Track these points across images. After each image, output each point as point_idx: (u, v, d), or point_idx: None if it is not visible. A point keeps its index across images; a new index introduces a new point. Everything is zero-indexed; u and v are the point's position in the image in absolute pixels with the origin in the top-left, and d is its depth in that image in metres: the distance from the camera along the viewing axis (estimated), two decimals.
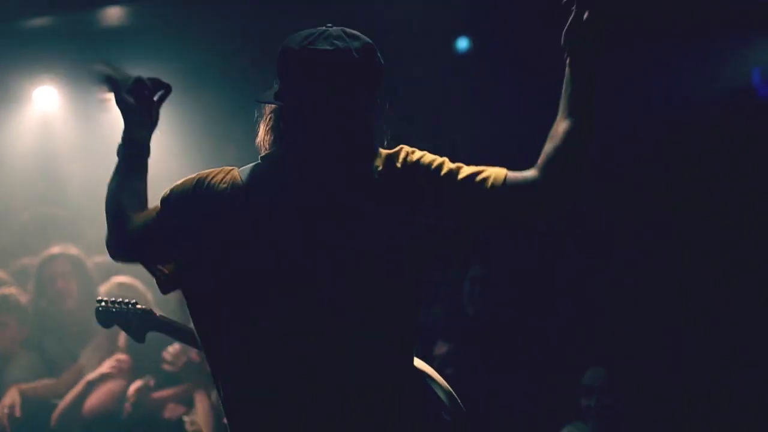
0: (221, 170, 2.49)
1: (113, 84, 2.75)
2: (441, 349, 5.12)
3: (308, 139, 2.41)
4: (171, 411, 4.99)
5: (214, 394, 4.64)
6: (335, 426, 2.37)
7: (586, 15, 2.36)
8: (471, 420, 2.64)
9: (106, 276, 5.47)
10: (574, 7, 2.38)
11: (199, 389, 4.82)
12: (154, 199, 2.59)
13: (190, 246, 2.44)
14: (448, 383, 2.66)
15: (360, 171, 2.40)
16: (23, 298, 5.50)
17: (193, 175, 2.50)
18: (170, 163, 5.02)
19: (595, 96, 2.35)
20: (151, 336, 3.52)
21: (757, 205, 5.08)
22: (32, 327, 5.49)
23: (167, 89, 2.79)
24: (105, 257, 5.69)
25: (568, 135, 2.30)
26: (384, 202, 2.36)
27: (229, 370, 2.43)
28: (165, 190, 2.52)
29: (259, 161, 2.48)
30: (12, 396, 5.13)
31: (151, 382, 4.97)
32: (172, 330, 3.49)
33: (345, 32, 2.41)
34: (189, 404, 4.96)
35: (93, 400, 5.04)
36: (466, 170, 2.37)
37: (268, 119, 2.48)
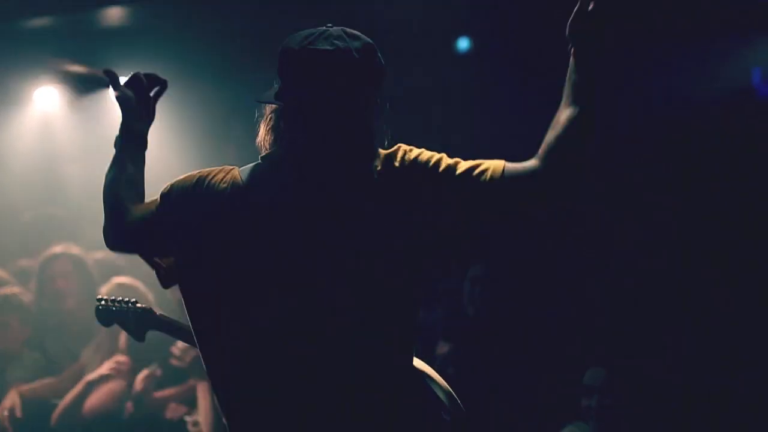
0: (222, 169, 2.49)
1: (112, 77, 2.78)
2: (442, 348, 5.13)
3: (308, 139, 2.41)
4: (172, 411, 5.00)
5: None
6: (335, 426, 2.37)
7: (591, 6, 2.37)
8: (471, 420, 2.64)
9: (108, 273, 5.49)
10: None
11: (204, 385, 4.82)
12: (153, 195, 2.60)
13: (190, 245, 2.44)
14: (449, 383, 2.66)
15: (360, 171, 2.40)
16: (26, 298, 5.51)
17: (194, 173, 2.51)
18: (171, 162, 5.04)
19: (598, 85, 2.35)
20: (152, 337, 3.53)
21: (757, 205, 5.08)
22: (34, 326, 5.50)
23: (163, 85, 2.84)
24: (106, 253, 5.75)
25: (571, 123, 2.31)
26: (383, 202, 2.36)
27: (228, 370, 2.42)
28: (165, 185, 2.53)
29: (260, 161, 2.48)
30: (12, 398, 5.14)
31: (158, 372, 4.95)
32: (172, 329, 3.49)
33: (345, 32, 2.42)
34: (190, 404, 4.97)
35: (93, 400, 5.04)
36: (463, 165, 2.37)
37: (268, 119, 2.48)
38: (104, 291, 5.07)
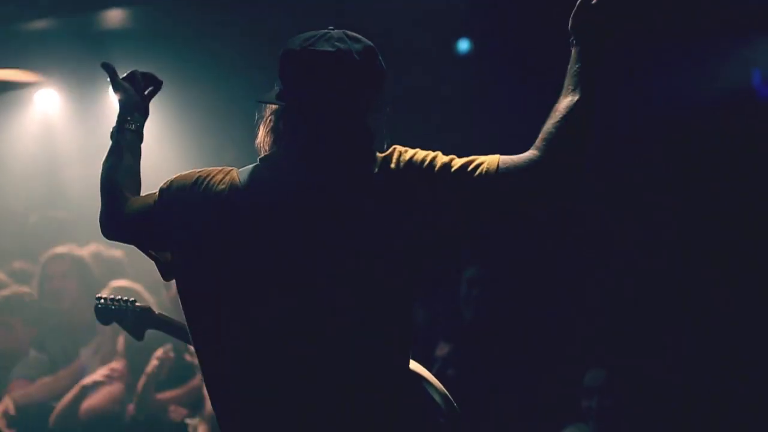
0: (221, 170, 2.50)
1: (109, 70, 2.84)
2: (442, 350, 5.13)
3: (308, 140, 2.42)
4: (173, 413, 5.00)
5: None
6: (335, 426, 2.37)
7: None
8: (467, 422, 2.65)
9: (110, 271, 5.52)
10: None
11: None
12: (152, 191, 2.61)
13: (189, 245, 2.45)
14: (449, 384, 2.67)
15: (360, 172, 2.40)
16: (32, 298, 5.54)
17: (193, 171, 2.51)
18: (171, 163, 5.04)
19: (599, 77, 2.35)
20: (150, 339, 3.54)
21: (757, 205, 5.08)
22: (38, 326, 5.52)
23: (158, 85, 2.90)
24: (111, 253, 5.77)
25: (571, 110, 2.31)
26: (383, 203, 2.36)
27: (228, 371, 2.42)
28: (164, 181, 2.54)
29: (258, 162, 2.48)
30: (5, 404, 5.16)
31: (171, 354, 4.93)
32: (170, 328, 3.51)
33: (346, 35, 2.42)
34: (191, 406, 4.96)
35: (93, 402, 5.05)
36: (458, 161, 2.37)
37: (268, 120, 2.49)
38: (103, 294, 5.08)
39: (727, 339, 4.86)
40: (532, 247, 5.25)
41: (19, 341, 5.45)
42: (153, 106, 2.92)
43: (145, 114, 2.87)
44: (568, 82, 2.36)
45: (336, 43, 2.38)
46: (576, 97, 2.32)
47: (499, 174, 2.31)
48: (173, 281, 2.57)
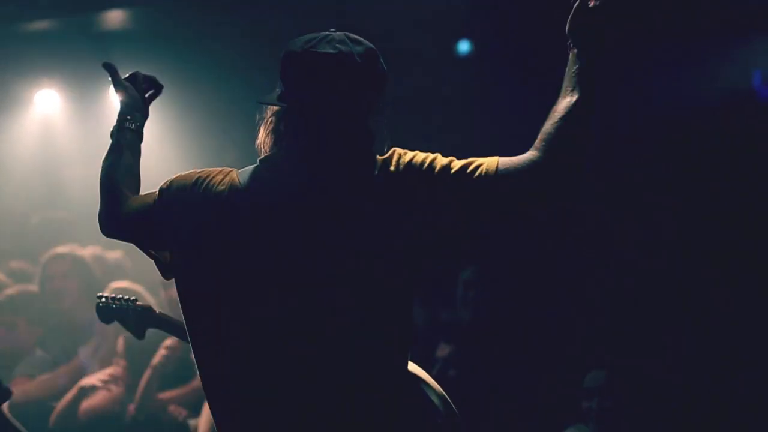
0: (221, 171, 2.50)
1: (111, 69, 2.86)
2: (442, 350, 5.13)
3: (309, 142, 2.43)
4: (174, 413, 5.00)
5: None
6: (335, 426, 2.38)
7: (592, 2, 2.38)
8: (465, 424, 2.65)
9: (110, 273, 5.53)
10: None
11: None
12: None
13: (189, 245, 2.45)
14: (450, 385, 2.67)
15: (360, 175, 2.41)
16: (35, 297, 5.55)
17: (193, 172, 2.52)
18: (171, 165, 5.04)
19: (598, 78, 2.35)
20: (150, 340, 3.54)
21: (757, 205, 5.08)
22: (41, 325, 5.53)
23: (158, 89, 2.91)
24: (115, 254, 5.77)
25: (569, 111, 2.31)
26: (383, 204, 2.37)
27: (227, 370, 2.43)
28: (164, 181, 2.54)
29: (258, 163, 2.49)
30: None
31: (178, 348, 4.92)
32: (171, 327, 3.52)
33: (348, 37, 2.43)
34: (192, 407, 4.96)
35: (93, 403, 5.05)
36: (457, 163, 2.38)
37: (269, 122, 2.50)
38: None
39: (727, 339, 4.86)
40: (532, 247, 5.25)
41: (23, 340, 5.46)
42: (154, 106, 2.93)
43: (145, 115, 2.87)
44: (566, 84, 2.36)
45: (338, 45, 2.39)
46: (575, 98, 2.32)
47: (498, 175, 2.31)
48: (171, 281, 2.57)
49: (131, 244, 2.70)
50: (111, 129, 2.81)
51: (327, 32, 2.43)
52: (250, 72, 5.55)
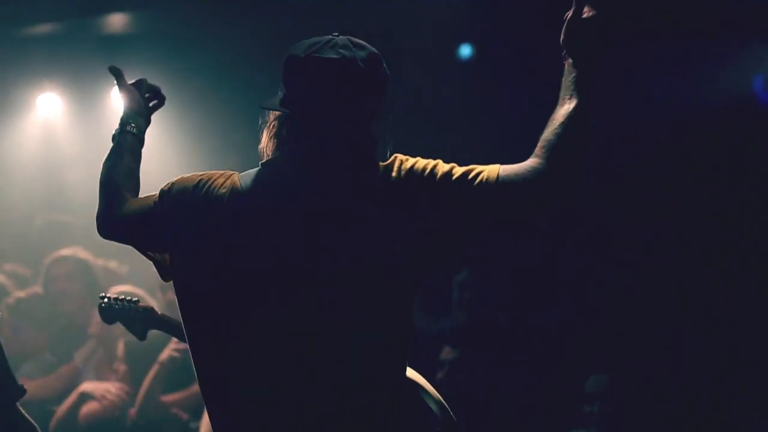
0: (222, 174, 2.51)
1: (116, 72, 2.88)
2: (442, 351, 5.13)
3: (312, 147, 2.43)
4: (175, 417, 5.00)
5: None
6: (335, 426, 2.38)
7: (586, 11, 2.38)
8: (464, 429, 2.66)
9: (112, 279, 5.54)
10: (575, 2, 2.40)
11: None
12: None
13: (189, 247, 2.46)
14: (450, 385, 2.68)
15: (363, 180, 2.41)
16: (43, 300, 5.56)
17: (195, 174, 2.52)
18: (172, 166, 5.05)
19: (596, 81, 2.36)
20: (150, 345, 3.55)
21: (757, 205, 5.09)
22: (47, 328, 5.53)
23: (161, 100, 2.94)
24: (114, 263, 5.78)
25: (568, 118, 2.31)
26: (385, 209, 2.38)
27: (227, 371, 2.43)
28: (165, 183, 2.55)
29: (260, 167, 2.49)
30: None
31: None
32: (172, 329, 3.52)
33: (351, 41, 2.43)
34: (194, 411, 4.96)
35: (94, 408, 5.05)
36: (459, 171, 2.39)
37: (271, 126, 2.50)
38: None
39: (727, 339, 4.86)
40: (533, 249, 5.26)
41: (28, 344, 5.46)
42: None
43: (147, 122, 2.88)
44: (563, 92, 2.36)
45: (341, 50, 2.39)
46: (572, 106, 2.32)
47: (499, 183, 2.32)
48: (169, 284, 2.58)
49: (125, 249, 2.70)
50: (113, 132, 2.82)
51: (330, 36, 2.43)
52: (253, 75, 5.57)
